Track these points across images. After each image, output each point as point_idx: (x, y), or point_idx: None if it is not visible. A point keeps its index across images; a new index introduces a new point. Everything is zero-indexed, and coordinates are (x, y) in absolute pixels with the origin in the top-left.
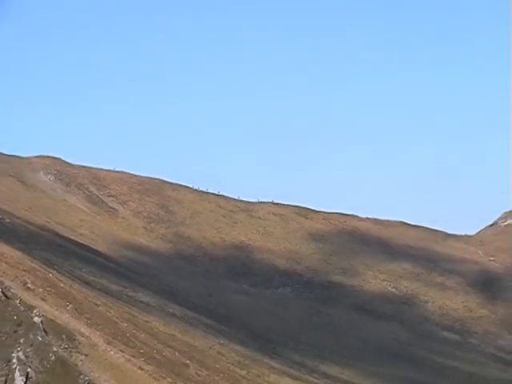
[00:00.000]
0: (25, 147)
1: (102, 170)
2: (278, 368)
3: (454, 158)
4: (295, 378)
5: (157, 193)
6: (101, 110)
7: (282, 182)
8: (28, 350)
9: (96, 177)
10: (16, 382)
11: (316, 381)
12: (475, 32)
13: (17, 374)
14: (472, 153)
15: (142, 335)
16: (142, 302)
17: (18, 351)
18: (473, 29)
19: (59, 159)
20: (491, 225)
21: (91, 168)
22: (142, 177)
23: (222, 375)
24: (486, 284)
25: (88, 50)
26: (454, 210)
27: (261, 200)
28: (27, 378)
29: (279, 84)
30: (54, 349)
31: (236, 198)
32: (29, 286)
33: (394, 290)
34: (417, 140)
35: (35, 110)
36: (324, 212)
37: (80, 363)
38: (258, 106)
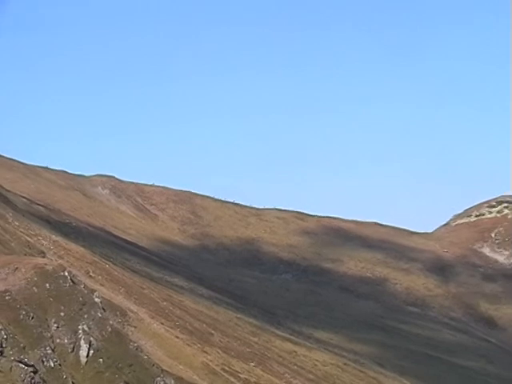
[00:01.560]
0: (86, 167)
1: (145, 184)
2: (282, 335)
3: (418, 170)
4: (295, 343)
5: (188, 202)
6: (143, 137)
7: (284, 192)
8: (90, 323)
9: (141, 190)
10: (81, 347)
11: (311, 345)
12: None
13: (82, 342)
14: (431, 164)
15: (178, 311)
16: (177, 285)
17: (83, 324)
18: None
19: (113, 177)
20: (444, 224)
21: (137, 183)
22: (176, 189)
23: (239, 341)
24: (441, 270)
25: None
26: (417, 212)
27: (267, 207)
28: (90, 344)
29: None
30: (111, 322)
31: (248, 205)
32: (91, 274)
33: (370, 274)
34: (388, 156)
35: (93, 138)
36: (316, 216)
37: (130, 333)
38: (266, 130)
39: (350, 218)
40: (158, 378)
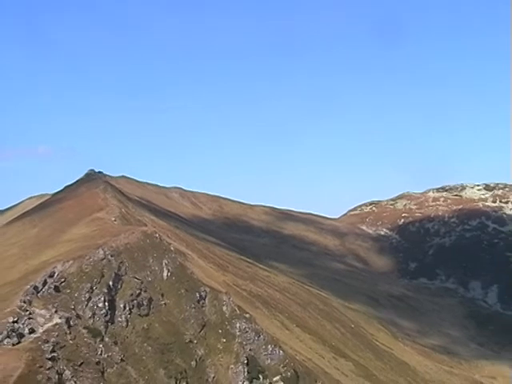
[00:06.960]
0: (167, 181)
1: (195, 192)
2: (262, 267)
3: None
4: (269, 272)
5: (217, 201)
6: (189, 165)
7: (265, 195)
8: (168, 260)
9: (194, 194)
10: (164, 271)
11: (277, 272)
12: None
13: (164, 268)
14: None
15: (211, 254)
16: (210, 241)
17: (164, 260)
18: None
19: (180, 188)
20: (344, 214)
21: (192, 191)
22: (211, 194)
23: (241, 270)
24: (341, 235)
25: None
26: (332, 206)
27: (256, 203)
28: (168, 270)
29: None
30: (178, 259)
31: (246, 202)
32: (169, 236)
33: (306, 238)
34: (326, 172)
35: (165, 160)
36: (280, 208)
37: (188, 265)
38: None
39: (296, 210)
40: (201, 287)
